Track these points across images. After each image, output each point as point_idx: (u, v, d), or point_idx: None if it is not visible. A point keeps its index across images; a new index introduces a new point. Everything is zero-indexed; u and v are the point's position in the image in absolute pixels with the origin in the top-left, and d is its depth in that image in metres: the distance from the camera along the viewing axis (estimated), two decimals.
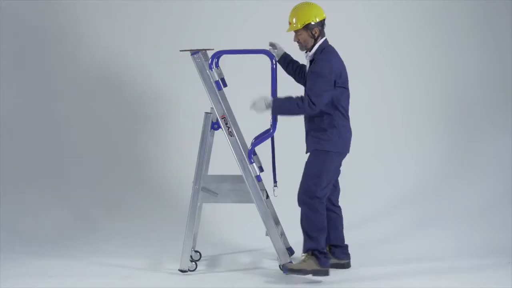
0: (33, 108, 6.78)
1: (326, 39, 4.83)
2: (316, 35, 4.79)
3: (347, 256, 5.11)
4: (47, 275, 4.99)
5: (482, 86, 6.77)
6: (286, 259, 4.92)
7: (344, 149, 4.85)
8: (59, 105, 6.79)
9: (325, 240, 4.86)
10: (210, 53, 5.03)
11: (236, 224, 6.01)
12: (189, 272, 4.99)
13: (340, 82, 4.74)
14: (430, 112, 6.77)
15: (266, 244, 5.22)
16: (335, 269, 4.97)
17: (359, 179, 6.43)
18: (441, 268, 5.11)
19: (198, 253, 5.29)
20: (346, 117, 4.85)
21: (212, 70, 4.97)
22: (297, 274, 4.78)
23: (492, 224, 5.92)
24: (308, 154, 4.89)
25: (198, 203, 5.00)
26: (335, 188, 5.09)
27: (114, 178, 6.64)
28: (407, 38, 6.79)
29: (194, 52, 4.97)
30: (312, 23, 4.76)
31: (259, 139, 4.99)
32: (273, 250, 4.97)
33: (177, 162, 6.54)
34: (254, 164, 4.95)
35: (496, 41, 6.76)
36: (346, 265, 5.08)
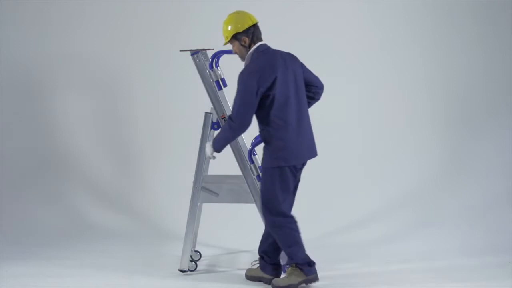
0: (33, 107, 6.78)
1: (261, 45, 4.59)
2: (246, 44, 4.60)
3: (276, 273, 4.80)
4: (47, 275, 4.98)
5: (483, 86, 6.77)
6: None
7: (287, 162, 4.51)
8: (59, 104, 6.79)
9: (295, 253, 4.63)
10: (210, 53, 5.02)
11: (236, 224, 6.01)
12: (189, 272, 4.99)
13: (268, 90, 4.45)
14: (431, 112, 6.76)
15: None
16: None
17: (359, 179, 6.44)
18: (442, 268, 5.11)
19: (198, 253, 5.29)
20: (287, 127, 4.50)
21: (212, 70, 4.97)
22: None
23: (493, 224, 5.92)
24: None
25: (198, 203, 5.00)
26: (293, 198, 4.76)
27: (114, 179, 6.64)
28: (409, 39, 6.79)
29: (194, 52, 4.96)
30: (239, 33, 4.59)
31: (259, 139, 4.98)
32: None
33: (177, 162, 6.54)
34: (254, 164, 4.96)
35: (497, 41, 6.75)
36: (268, 281, 4.76)
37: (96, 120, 6.79)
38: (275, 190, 4.55)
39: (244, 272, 4.93)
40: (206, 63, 4.97)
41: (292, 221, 4.63)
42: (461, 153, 6.62)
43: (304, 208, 6.14)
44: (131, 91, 6.77)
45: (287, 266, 4.72)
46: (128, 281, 4.87)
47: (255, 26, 4.61)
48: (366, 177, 6.51)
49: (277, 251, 4.79)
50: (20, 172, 6.64)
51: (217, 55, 4.98)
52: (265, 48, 4.59)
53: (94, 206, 6.45)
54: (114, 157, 6.74)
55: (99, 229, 6.16)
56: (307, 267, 4.64)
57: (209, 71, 4.97)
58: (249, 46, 4.60)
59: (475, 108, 6.75)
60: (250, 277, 4.82)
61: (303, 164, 4.65)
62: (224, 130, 4.58)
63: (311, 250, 5.53)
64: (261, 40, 4.63)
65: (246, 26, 4.58)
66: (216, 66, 5.00)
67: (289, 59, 4.62)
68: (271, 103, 4.48)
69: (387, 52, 6.78)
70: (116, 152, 6.76)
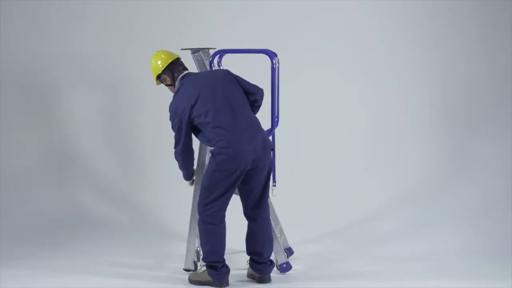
0: (33, 107, 6.78)
1: (182, 76, 4.76)
2: (169, 82, 4.79)
3: (262, 271, 4.82)
4: (47, 275, 4.98)
5: (483, 86, 6.76)
6: (282, 259, 4.93)
7: (230, 167, 4.56)
8: (59, 104, 6.79)
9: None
10: (211, 52, 5.02)
11: (236, 224, 6.00)
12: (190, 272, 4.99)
13: (190, 116, 4.62)
14: (431, 112, 6.76)
15: None
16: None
17: (359, 179, 6.44)
18: (442, 268, 5.11)
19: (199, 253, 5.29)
20: (226, 134, 4.56)
21: (212, 69, 4.98)
22: (194, 284, 4.76)
23: (493, 224, 5.92)
24: None
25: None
26: (258, 205, 4.79)
27: (116, 178, 6.64)
28: (409, 39, 6.79)
29: (195, 51, 4.97)
30: (159, 74, 4.79)
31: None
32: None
33: None
34: None
35: (497, 41, 6.75)
36: (258, 280, 4.82)
37: (98, 119, 6.79)
38: (210, 186, 4.62)
39: (243, 272, 4.92)
40: (207, 62, 4.98)
41: (218, 221, 4.67)
42: (461, 153, 6.62)
43: (304, 208, 6.17)
44: (132, 91, 6.77)
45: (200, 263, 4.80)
46: (129, 281, 4.87)
47: (171, 64, 4.77)
48: (366, 177, 6.50)
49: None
50: (20, 172, 6.63)
51: (218, 54, 4.99)
52: (185, 76, 4.76)
53: (95, 206, 6.45)
54: (115, 157, 6.73)
55: (100, 229, 6.15)
56: (213, 270, 4.69)
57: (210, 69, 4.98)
58: (174, 82, 4.78)
59: (475, 108, 6.74)
60: (194, 281, 4.80)
61: (253, 162, 4.63)
62: (177, 159, 4.84)
63: (311, 250, 5.55)
64: (183, 71, 4.79)
65: (164, 65, 4.77)
66: (219, 65, 5.00)
67: (215, 76, 4.76)
68: (201, 123, 4.62)
69: (387, 52, 6.78)
70: (117, 151, 6.75)
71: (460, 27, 6.77)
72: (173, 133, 4.75)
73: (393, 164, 6.58)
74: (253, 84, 4.82)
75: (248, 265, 4.90)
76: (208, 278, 4.72)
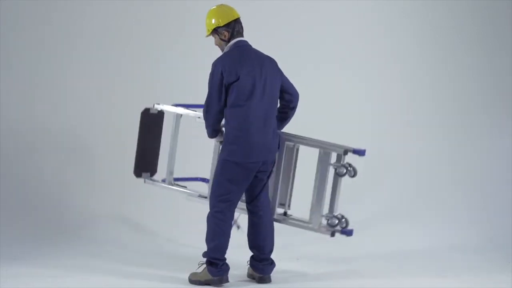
0: (33, 107, 6.78)
1: (240, 40, 4.65)
2: (226, 38, 4.63)
3: (263, 271, 4.80)
4: (47, 275, 4.97)
5: (483, 86, 6.78)
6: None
7: (237, 158, 4.55)
8: (60, 104, 6.79)
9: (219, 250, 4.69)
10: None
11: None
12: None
13: (232, 82, 4.51)
14: (431, 112, 6.78)
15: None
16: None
17: (359, 179, 6.42)
18: (441, 268, 5.11)
19: None
20: (245, 126, 4.55)
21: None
22: (195, 284, 4.72)
23: (493, 224, 5.93)
24: None
25: None
26: (258, 197, 4.78)
27: (117, 177, 6.63)
28: (409, 39, 6.82)
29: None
30: (220, 27, 4.63)
31: None
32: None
33: (178, 160, 6.52)
34: None
35: (497, 41, 6.76)
36: (258, 280, 4.80)
37: (100, 117, 6.79)
38: (223, 181, 4.60)
39: (243, 272, 4.93)
40: None
41: (229, 217, 4.67)
42: (461, 154, 6.63)
43: (304, 208, 6.17)
44: (133, 91, 6.77)
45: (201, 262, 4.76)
46: (129, 281, 4.86)
47: (236, 21, 4.66)
48: (365, 177, 6.49)
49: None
50: (20, 172, 6.63)
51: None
52: (243, 44, 4.65)
53: (95, 206, 6.44)
54: (116, 157, 6.72)
55: (100, 229, 6.15)
56: (213, 268, 4.67)
57: None
58: (229, 41, 4.65)
59: (475, 108, 6.75)
60: (194, 281, 4.77)
61: (263, 166, 4.64)
62: (204, 117, 4.68)
63: (311, 250, 5.56)
64: (242, 35, 4.68)
65: (227, 21, 4.62)
66: None
67: (267, 62, 4.67)
68: (233, 98, 4.54)
69: (387, 52, 6.79)
70: (117, 151, 6.75)
71: (460, 27, 6.78)
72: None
73: (393, 164, 6.59)
74: (292, 85, 4.77)
75: (248, 265, 4.89)
76: (208, 276, 4.68)
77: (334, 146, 4.76)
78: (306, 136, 4.87)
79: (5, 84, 6.73)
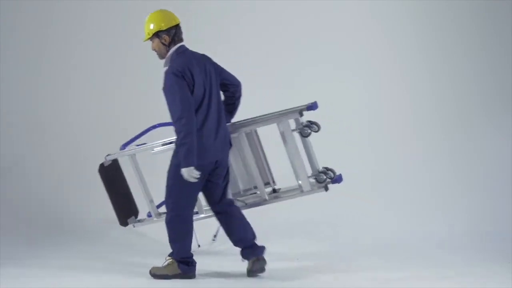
0: (33, 106, 6.79)
1: (180, 46, 4.69)
2: (166, 42, 4.67)
3: (255, 252, 4.83)
4: (47, 275, 4.99)
5: (484, 86, 6.78)
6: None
7: (197, 161, 4.56)
8: (59, 104, 6.80)
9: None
10: None
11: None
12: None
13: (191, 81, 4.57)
14: (431, 112, 6.77)
15: (267, 244, 5.22)
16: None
17: (360, 179, 6.43)
18: (441, 268, 5.11)
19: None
20: (201, 128, 4.60)
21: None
22: (159, 279, 4.79)
23: (493, 223, 5.92)
24: None
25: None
26: (221, 199, 4.85)
27: None
28: (408, 39, 6.81)
29: None
30: (161, 31, 4.65)
31: None
32: (272, 250, 5.00)
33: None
34: None
35: (497, 41, 6.76)
36: (257, 265, 4.82)
37: (98, 119, 6.79)
38: (178, 184, 4.63)
39: (244, 269, 4.93)
40: None
41: (187, 217, 4.75)
42: (461, 153, 6.62)
43: (304, 207, 6.17)
44: (133, 90, 6.78)
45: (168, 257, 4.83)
46: (129, 281, 4.87)
47: (177, 27, 4.70)
48: (366, 177, 6.50)
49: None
50: (20, 172, 6.64)
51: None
52: (184, 50, 4.69)
53: (94, 207, 6.45)
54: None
55: (100, 229, 6.16)
56: (183, 265, 4.76)
57: None
58: (169, 45, 4.67)
59: (475, 108, 6.75)
60: (160, 276, 4.83)
61: (218, 169, 4.71)
62: (182, 142, 4.54)
63: (310, 250, 5.56)
64: (181, 41, 4.73)
65: (168, 26, 4.66)
66: None
67: (207, 63, 4.73)
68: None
69: (387, 53, 6.80)
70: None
71: (460, 27, 6.78)
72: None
73: (393, 164, 6.59)
74: (232, 75, 4.81)
75: (243, 259, 4.90)
76: (176, 271, 4.76)
77: (288, 113, 4.85)
78: (256, 116, 4.93)
79: (5, 84, 6.73)
